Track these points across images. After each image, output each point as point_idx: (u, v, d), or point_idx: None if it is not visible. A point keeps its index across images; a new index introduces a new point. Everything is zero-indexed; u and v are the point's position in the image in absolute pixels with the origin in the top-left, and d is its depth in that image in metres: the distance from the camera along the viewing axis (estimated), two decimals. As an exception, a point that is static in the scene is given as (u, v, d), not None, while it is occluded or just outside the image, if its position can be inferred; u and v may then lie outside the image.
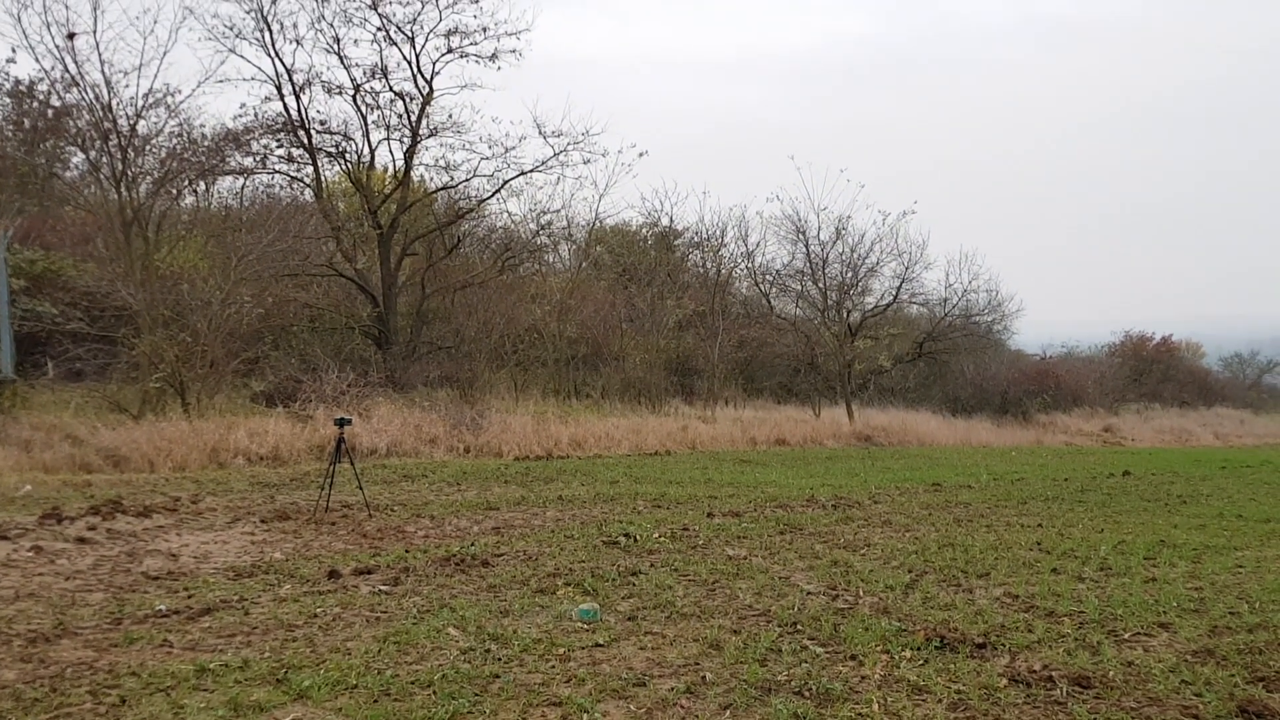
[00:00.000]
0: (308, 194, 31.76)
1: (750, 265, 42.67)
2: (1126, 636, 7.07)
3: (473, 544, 10.58)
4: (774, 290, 43.77)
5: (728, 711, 5.47)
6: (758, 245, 44.81)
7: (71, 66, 22.44)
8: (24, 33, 23.50)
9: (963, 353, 45.34)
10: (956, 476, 19.89)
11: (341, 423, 13.20)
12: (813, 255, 40.59)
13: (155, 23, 23.76)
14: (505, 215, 37.82)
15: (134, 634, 6.83)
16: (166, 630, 6.96)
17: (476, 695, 5.63)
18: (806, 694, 5.76)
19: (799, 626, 7.23)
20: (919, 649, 6.67)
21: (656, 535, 11.17)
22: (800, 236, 40.65)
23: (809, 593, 8.38)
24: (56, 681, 5.78)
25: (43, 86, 25.63)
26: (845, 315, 40.74)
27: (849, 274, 40.79)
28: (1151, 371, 57.82)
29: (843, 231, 39.95)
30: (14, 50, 24.44)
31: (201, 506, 13.32)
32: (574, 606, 7.53)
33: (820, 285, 40.69)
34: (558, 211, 38.00)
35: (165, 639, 6.73)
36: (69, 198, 27.17)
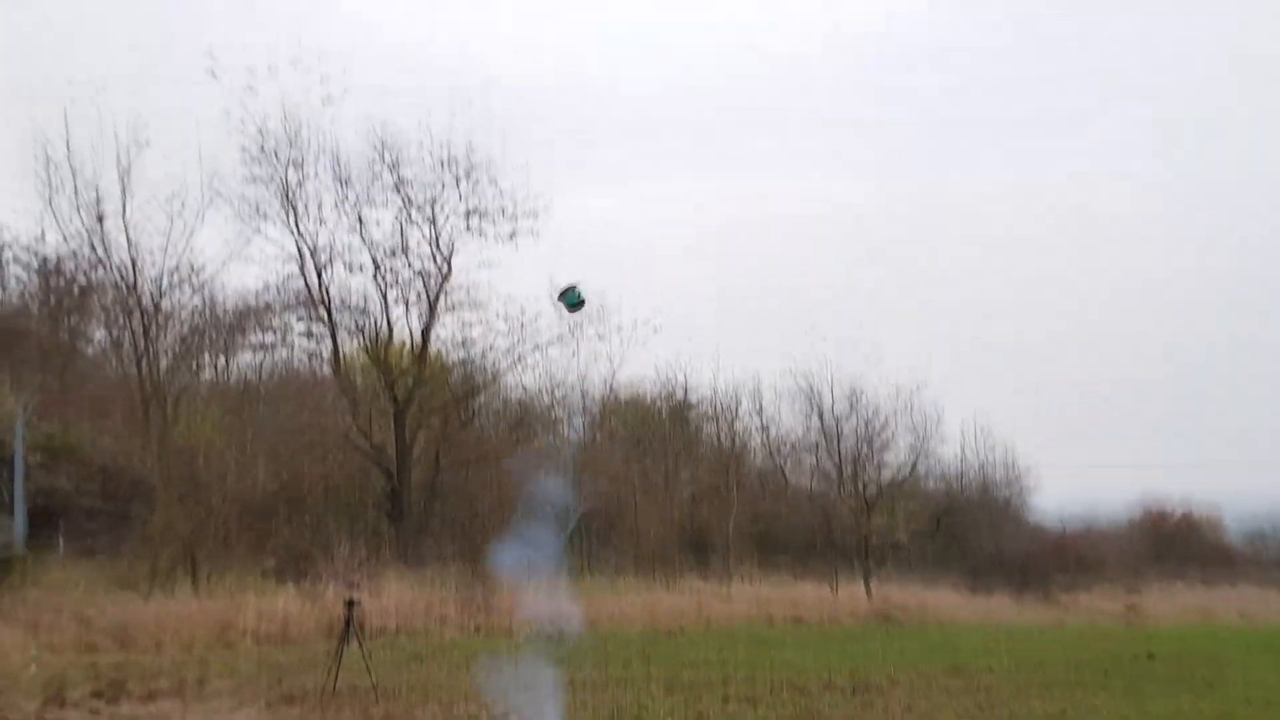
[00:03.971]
0: (326, 367, 32.11)
1: (764, 436, 42.71)
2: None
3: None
4: (789, 462, 43.70)
5: None
6: (772, 417, 44.82)
7: (99, 246, 23.05)
8: (54, 213, 24.12)
9: (981, 526, 44.87)
10: (978, 659, 19.41)
11: (351, 604, 13.07)
12: (827, 427, 40.65)
13: (183, 204, 24.34)
14: (520, 388, 38.04)
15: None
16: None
17: None
18: None
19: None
20: None
21: (670, 723, 10.90)
22: (814, 408, 40.80)
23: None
24: None
25: (70, 264, 26.26)
26: (861, 488, 40.52)
27: (864, 446, 40.75)
28: (1173, 546, 56.89)
29: (856, 403, 40.09)
30: (43, 230, 25.00)
31: (207, 689, 13.08)
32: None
33: (835, 457, 40.61)
34: (572, 384, 38.25)
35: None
36: (90, 373, 27.54)
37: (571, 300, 7.04)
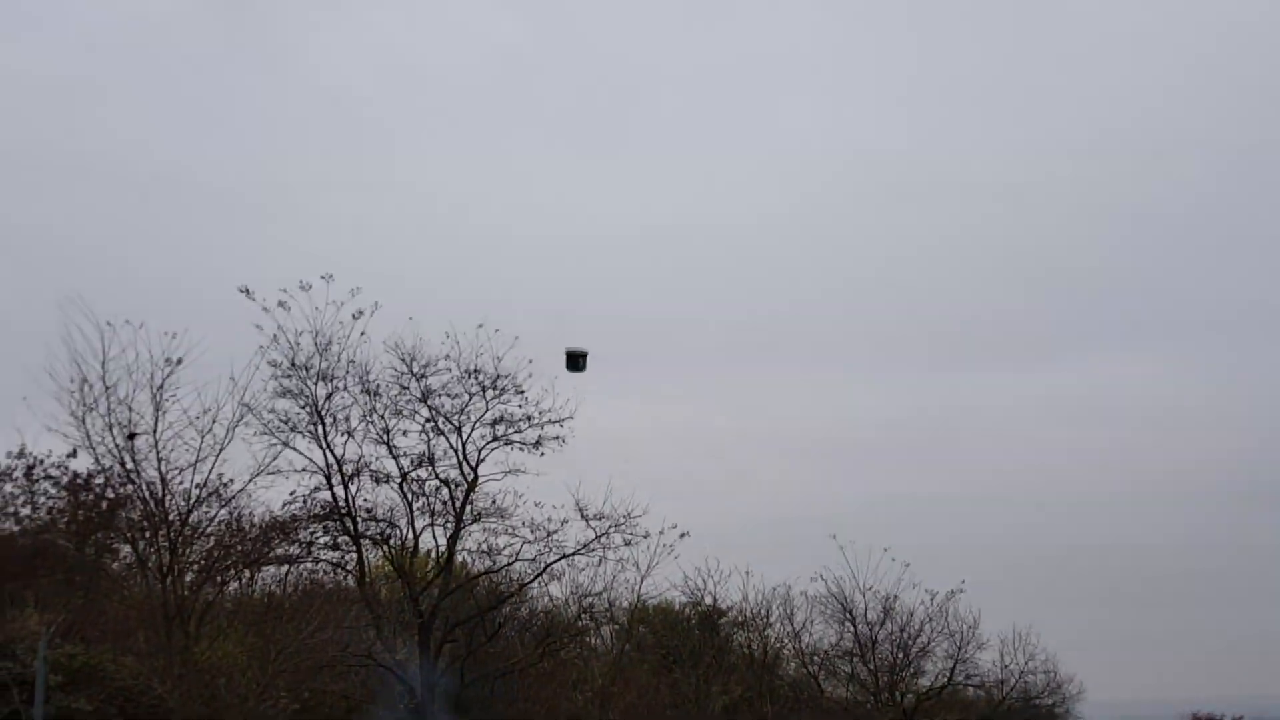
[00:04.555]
0: (350, 579, 31.79)
1: (797, 645, 41.69)
2: None
3: None
4: (822, 672, 42.54)
5: None
6: (804, 625, 43.83)
7: (129, 463, 23.19)
8: (86, 433, 24.38)
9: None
10: None
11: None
12: (860, 635, 39.77)
13: (214, 421, 24.69)
14: (547, 598, 37.49)
15: None
16: None
17: None
18: None
19: None
20: None
21: None
22: (847, 616, 40.02)
23: None
24: None
25: (99, 481, 26.40)
26: (899, 698, 39.32)
27: (900, 654, 39.76)
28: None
29: (891, 610, 39.30)
30: (75, 449, 25.26)
31: None
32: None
33: (870, 666, 39.58)
34: (600, 594, 37.69)
35: None
36: (114, 590, 27.35)
37: (576, 362, 7.11)
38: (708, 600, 42.18)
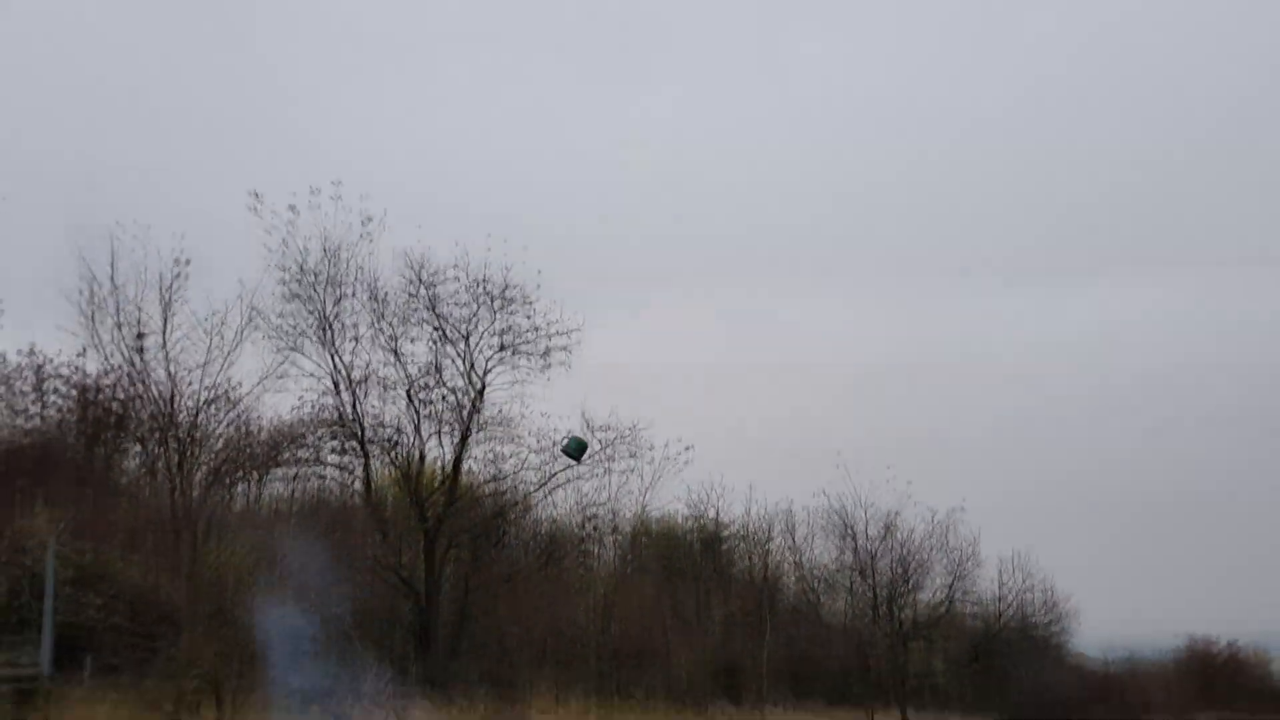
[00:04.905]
0: (357, 483, 32.04)
1: (798, 566, 42.10)
2: None
3: None
4: (822, 587, 43.00)
5: None
6: (805, 541, 44.19)
7: (139, 369, 23.22)
8: (96, 335, 24.40)
9: (1020, 660, 43.78)
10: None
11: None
12: (861, 552, 40.12)
13: (223, 322, 24.66)
14: (551, 509, 37.77)
15: None
16: None
17: None
18: None
19: None
20: None
21: None
22: (848, 533, 40.32)
23: None
24: None
25: (109, 387, 26.46)
26: (896, 619, 39.77)
27: (899, 571, 40.14)
28: (1219, 681, 55.31)
29: (891, 529, 39.60)
30: (84, 349, 25.26)
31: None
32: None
33: (870, 588, 39.99)
34: (603, 505, 37.97)
35: None
36: (124, 492, 27.55)
37: (573, 448, 7.10)
38: (710, 513, 42.51)
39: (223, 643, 20.73)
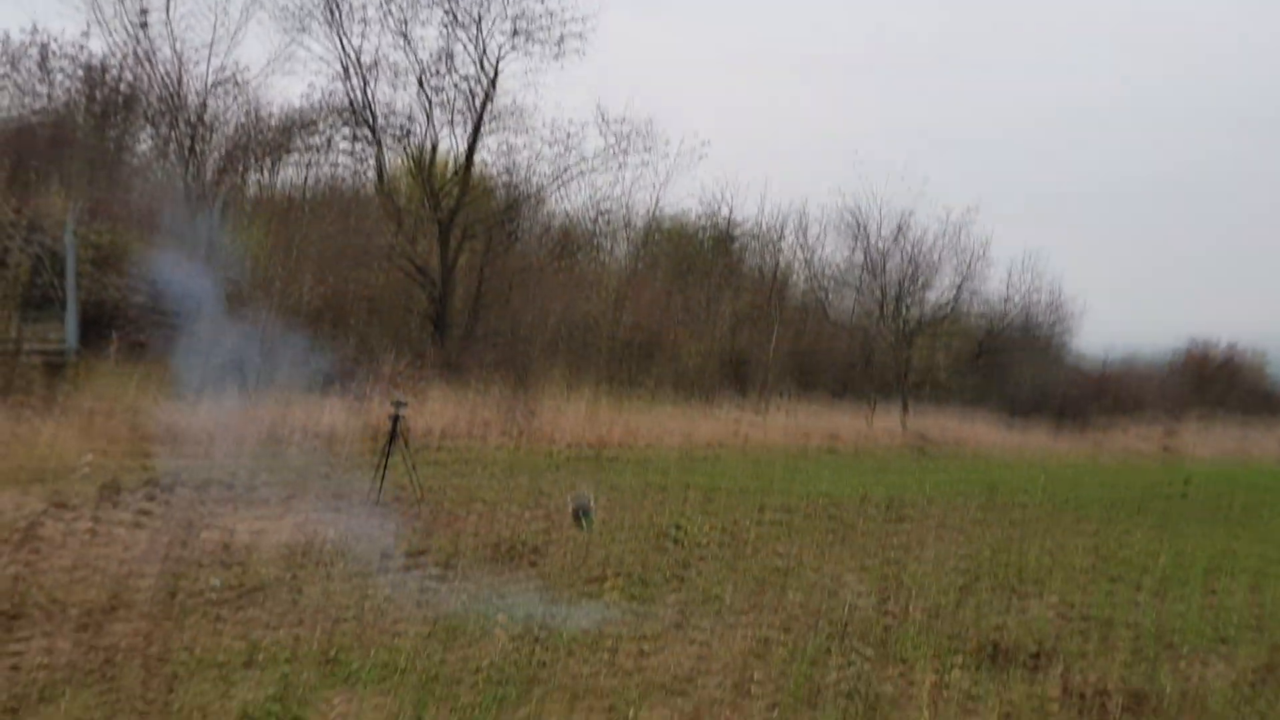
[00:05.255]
0: (369, 182, 31.97)
1: (807, 265, 42.34)
2: (1185, 653, 6.90)
3: (524, 533, 10.58)
4: (831, 286, 43.41)
5: (775, 712, 5.42)
6: (816, 240, 44.25)
7: (144, 48, 22.71)
8: (98, 10, 23.76)
9: (1022, 357, 44.68)
10: (1013, 484, 19.60)
11: (398, 405, 13.23)
12: (871, 257, 40.30)
13: (227, 4, 24.01)
14: (564, 203, 37.72)
15: (187, 610, 6.90)
16: (219, 607, 7.02)
17: (524, 687, 5.62)
18: (855, 698, 5.70)
19: (849, 630, 7.15)
20: (971, 658, 6.57)
21: (707, 530, 11.11)
22: (860, 233, 40.35)
23: (860, 595, 8.29)
24: (110, 656, 5.85)
25: (115, 67, 25.96)
26: (902, 319, 40.35)
27: (907, 277, 40.43)
28: (1214, 382, 56.64)
29: (903, 229, 39.58)
30: (88, 25, 24.64)
31: (257, 489, 13.45)
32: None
33: (878, 288, 40.36)
34: (617, 200, 37.89)
35: (218, 616, 6.80)
36: (136, 180, 27.52)
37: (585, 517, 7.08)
38: (723, 212, 42.45)
39: (245, 323, 21.20)
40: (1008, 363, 44.60)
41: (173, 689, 5.33)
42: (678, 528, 11.06)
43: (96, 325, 21.93)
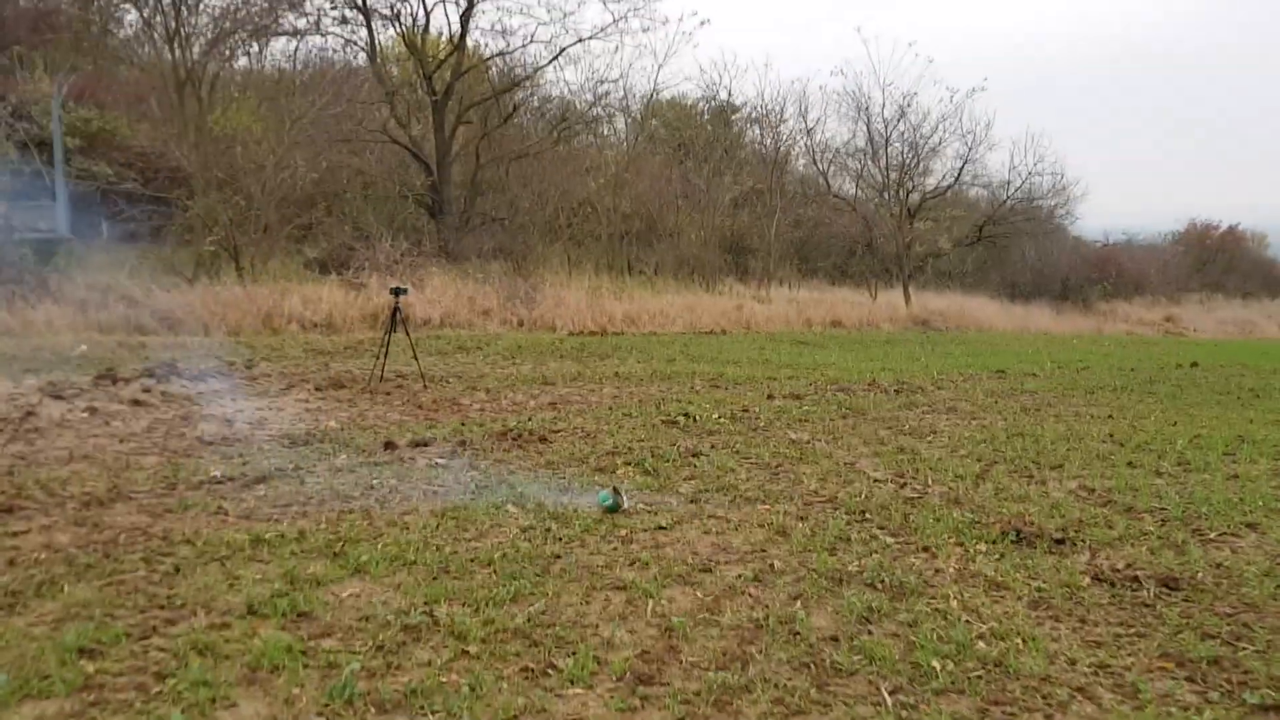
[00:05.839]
0: (361, 58, 31.18)
1: (809, 142, 41.61)
2: (1212, 536, 6.74)
3: (530, 419, 10.39)
4: (832, 169, 42.79)
5: (798, 602, 5.25)
6: (818, 122, 43.55)
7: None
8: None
9: (1023, 237, 44.28)
10: (1020, 364, 19.43)
11: (397, 292, 12.97)
12: (874, 133, 39.60)
13: None
14: (561, 84, 37.03)
15: (188, 500, 6.71)
16: (221, 498, 6.84)
17: (538, 575, 5.45)
18: (879, 586, 5.53)
19: (867, 515, 6.98)
20: (994, 542, 6.40)
21: (716, 416, 10.92)
22: (863, 114, 39.63)
23: (876, 480, 8.11)
24: (110, 547, 5.66)
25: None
26: (905, 196, 39.83)
27: (910, 153, 39.79)
28: (1215, 261, 56.43)
29: (907, 109, 38.84)
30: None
31: (256, 372, 13.25)
32: (594, 494, 7.19)
33: (881, 164, 39.77)
34: (615, 81, 37.12)
35: (220, 506, 6.61)
36: (122, 56, 26.81)
37: (610, 505, 6.60)
38: (723, 94, 41.71)
39: (235, 209, 20.84)
40: (1010, 238, 44.22)
41: (174, 582, 5.15)
42: (686, 415, 10.86)
43: (88, 211, 21.54)
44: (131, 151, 21.78)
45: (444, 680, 4.21)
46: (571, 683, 4.26)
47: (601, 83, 36.19)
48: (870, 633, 4.92)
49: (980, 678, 4.48)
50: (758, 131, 42.73)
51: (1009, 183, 41.98)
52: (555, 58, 32.25)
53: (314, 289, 20.11)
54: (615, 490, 6.98)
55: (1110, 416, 12.24)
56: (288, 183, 22.71)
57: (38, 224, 19.83)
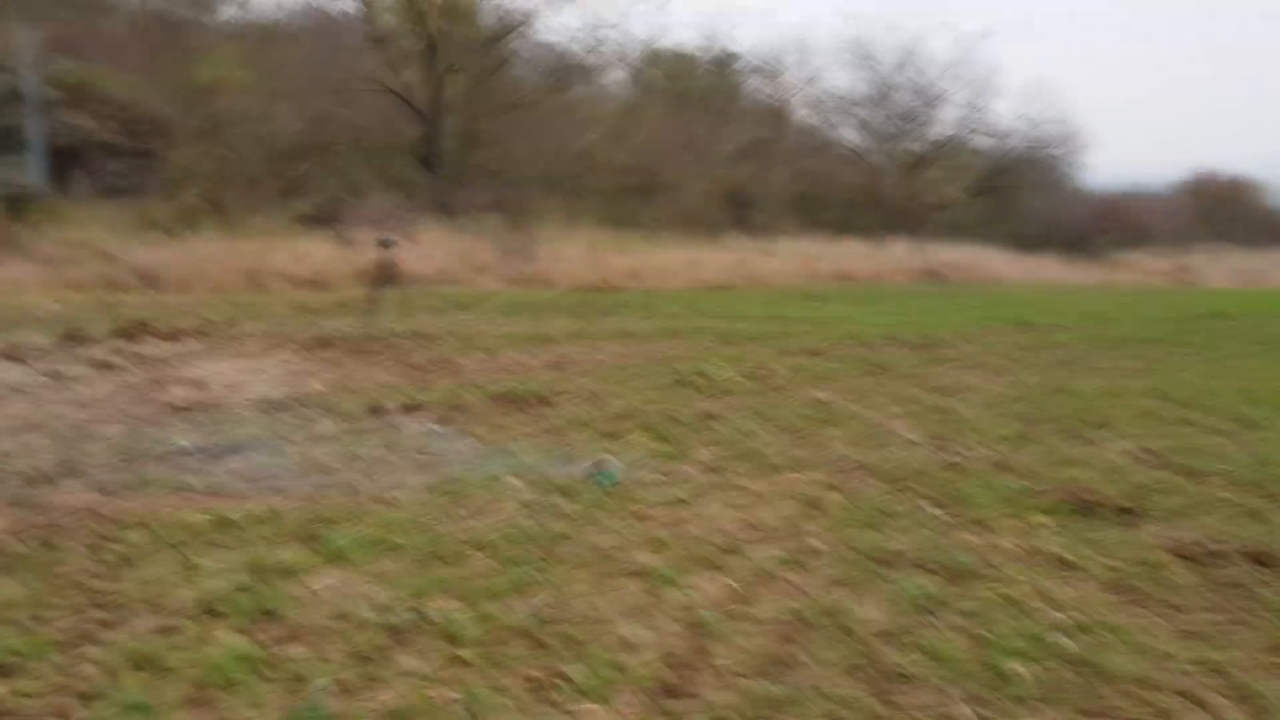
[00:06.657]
0: (349, 3, 30.20)
1: (812, 93, 40.69)
2: (1293, 505, 6.02)
3: (530, 380, 9.63)
4: (834, 120, 41.91)
5: (842, 589, 4.54)
6: (820, 70, 42.61)
7: None
8: None
9: (1030, 188, 43.50)
10: (1043, 316, 18.63)
11: (387, 244, 12.20)
12: (879, 81, 38.69)
13: None
14: (558, 30, 36.01)
15: (148, 475, 5.98)
16: (186, 471, 6.10)
17: (542, 560, 4.74)
18: (932, 568, 4.83)
19: (908, 483, 6.26)
20: (1052, 513, 5.69)
21: (731, 374, 10.16)
22: (866, 61, 38.71)
23: (911, 442, 7.39)
24: (51, 533, 4.91)
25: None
26: (909, 145, 39.00)
27: (916, 101, 38.92)
28: (1219, 210, 55.74)
29: (911, 56, 37.93)
30: None
31: (237, 331, 12.47)
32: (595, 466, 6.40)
33: (885, 113, 38.90)
34: (613, 26, 36.07)
35: (184, 482, 5.87)
36: (102, 6, 25.85)
37: (607, 478, 5.74)
38: (722, 46, 40.80)
39: (217, 160, 20.02)
40: (1017, 188, 43.46)
41: (121, 575, 4.43)
42: (699, 373, 10.09)
43: (64, 164, 20.70)
44: (112, 104, 20.95)
45: (432, 696, 3.52)
46: (585, 696, 3.56)
47: (598, 30, 35.11)
48: (932, 626, 4.21)
49: (1069, 681, 3.79)
50: (759, 81, 41.84)
51: (1016, 131, 41.17)
52: (549, 2, 31.28)
53: (301, 244, 19.33)
54: (599, 463, 6.26)
55: (1147, 370, 11.51)
56: (273, 135, 21.86)
57: (12, 177, 19.07)
